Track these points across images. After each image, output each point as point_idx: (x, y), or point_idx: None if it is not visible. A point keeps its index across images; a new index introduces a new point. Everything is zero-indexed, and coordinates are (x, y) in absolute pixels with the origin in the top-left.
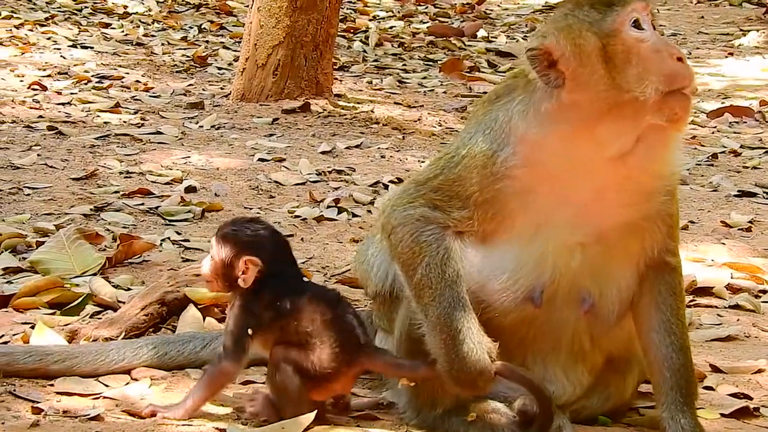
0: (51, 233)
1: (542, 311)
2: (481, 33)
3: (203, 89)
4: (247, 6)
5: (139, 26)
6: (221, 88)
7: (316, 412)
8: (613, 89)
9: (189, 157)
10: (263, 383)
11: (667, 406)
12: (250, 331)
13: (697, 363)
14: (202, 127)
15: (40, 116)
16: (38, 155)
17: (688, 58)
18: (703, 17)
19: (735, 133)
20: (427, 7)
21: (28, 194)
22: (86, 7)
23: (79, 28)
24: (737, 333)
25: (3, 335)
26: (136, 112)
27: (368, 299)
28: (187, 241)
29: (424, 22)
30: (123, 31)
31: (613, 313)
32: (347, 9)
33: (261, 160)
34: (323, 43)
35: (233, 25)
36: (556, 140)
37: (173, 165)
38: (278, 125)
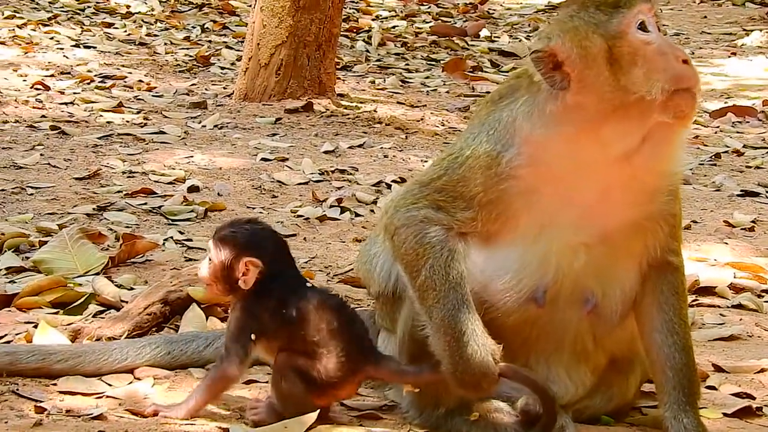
0: (54, 233)
1: (545, 311)
2: (484, 33)
3: (206, 89)
4: (250, 5)
5: (141, 26)
6: (224, 88)
7: (318, 411)
8: (618, 91)
9: (192, 156)
10: (266, 382)
11: (669, 406)
12: (253, 336)
13: (700, 362)
14: (204, 126)
15: (43, 116)
16: (41, 155)
17: (691, 57)
18: (706, 17)
19: (738, 132)
20: (429, 7)
21: (31, 194)
22: (89, 7)
23: (81, 27)
24: (740, 332)
25: (6, 334)
26: (139, 112)
27: (371, 299)
28: (190, 240)
29: (427, 22)
30: (126, 31)
31: (615, 314)
32: (350, 9)
33: (264, 159)
34: (326, 43)
35: (236, 25)
36: (561, 141)
37: (176, 164)
38: (281, 125)
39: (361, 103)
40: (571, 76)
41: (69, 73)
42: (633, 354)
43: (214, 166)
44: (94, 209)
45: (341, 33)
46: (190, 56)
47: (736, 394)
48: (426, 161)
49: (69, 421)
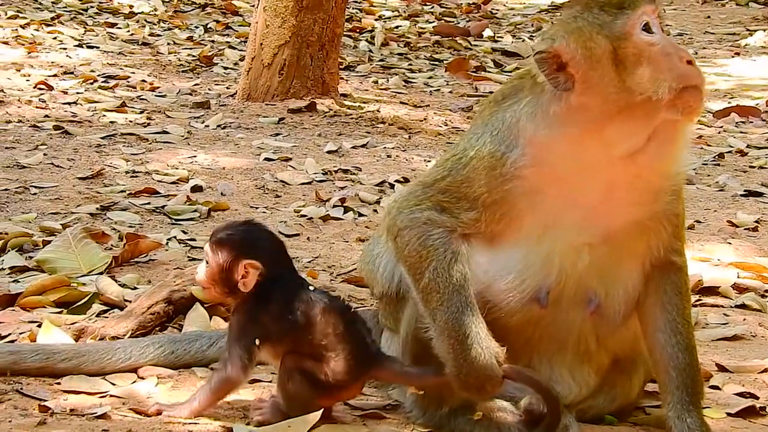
0: (57, 232)
1: (548, 312)
2: (487, 33)
3: (209, 89)
4: (253, 6)
5: (144, 26)
6: (227, 88)
7: (322, 411)
8: (624, 92)
9: (195, 156)
10: (270, 382)
11: (673, 406)
12: (257, 341)
13: (703, 362)
14: (208, 126)
15: (46, 116)
16: (44, 154)
17: (695, 57)
18: (709, 17)
19: (741, 132)
20: (432, 7)
21: (35, 193)
22: (92, 7)
23: (84, 27)
24: (743, 332)
25: (10, 334)
26: (142, 112)
27: (374, 299)
28: (194, 240)
29: (430, 22)
30: (129, 31)
31: (619, 314)
32: (353, 9)
33: (267, 159)
34: (329, 43)
35: (239, 25)
36: (565, 142)
37: (179, 164)
38: (284, 125)
39: (364, 103)
40: (575, 77)
41: (72, 72)
42: (636, 354)
43: (218, 165)
44: (97, 209)
45: (344, 33)
46: (193, 56)
47: (740, 394)
48: (429, 161)
49: (73, 420)
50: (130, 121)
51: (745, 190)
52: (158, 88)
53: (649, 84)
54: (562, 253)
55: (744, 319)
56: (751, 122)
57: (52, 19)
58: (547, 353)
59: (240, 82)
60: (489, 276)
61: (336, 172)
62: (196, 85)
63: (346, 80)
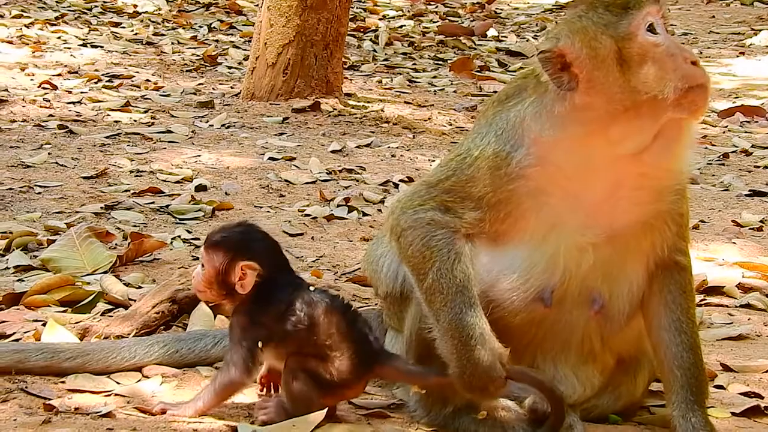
0: (62, 231)
1: (552, 311)
2: (492, 32)
3: (213, 88)
4: (257, 5)
5: (149, 25)
6: (231, 87)
7: (326, 410)
8: (628, 92)
9: (199, 155)
10: None
11: (677, 405)
12: (260, 344)
13: (708, 362)
14: (212, 126)
15: (51, 115)
16: (49, 154)
17: (699, 57)
18: (714, 17)
19: (746, 132)
20: (437, 7)
21: (39, 193)
22: (96, 7)
23: (89, 27)
24: (748, 332)
25: (14, 333)
26: (146, 111)
27: (378, 299)
28: (198, 239)
29: (434, 22)
30: (133, 31)
31: (623, 314)
32: (357, 8)
33: (271, 158)
34: (333, 42)
35: (243, 24)
36: (569, 142)
37: (183, 164)
38: (288, 124)
39: (368, 102)
40: (579, 77)
41: (76, 72)
42: (641, 353)
43: (222, 165)
44: (101, 208)
45: (348, 32)
46: (197, 55)
47: (744, 394)
48: (433, 161)
49: (78, 419)
50: (135, 121)
51: (749, 190)
52: (162, 87)
53: (654, 84)
54: (567, 252)
55: (749, 319)
56: (756, 122)
57: (57, 18)
58: (551, 353)
59: (244, 81)
60: (492, 275)
61: (340, 171)
62: (200, 84)
63: (350, 80)
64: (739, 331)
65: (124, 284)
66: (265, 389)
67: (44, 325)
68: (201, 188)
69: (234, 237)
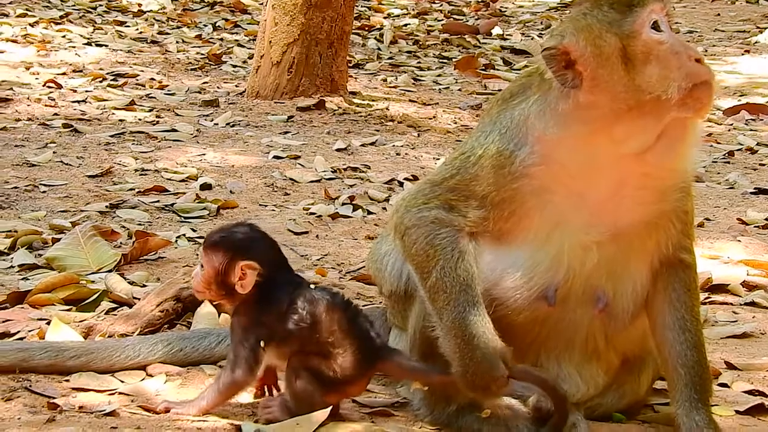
0: (67, 230)
1: (556, 310)
2: (496, 30)
3: (218, 87)
4: (262, 3)
5: (153, 24)
6: (236, 86)
7: (330, 408)
8: (633, 90)
9: (204, 154)
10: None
11: (681, 403)
12: (262, 344)
13: (712, 360)
14: (217, 124)
15: (56, 114)
16: (54, 152)
17: (705, 55)
18: (719, 14)
19: (751, 130)
20: (441, 5)
21: (44, 191)
22: (101, 5)
23: (93, 26)
24: (753, 330)
25: (19, 331)
26: (151, 110)
27: (382, 297)
28: (203, 238)
29: (439, 20)
30: (138, 29)
31: (627, 312)
32: (362, 6)
33: (276, 157)
34: (338, 41)
35: (248, 23)
36: (574, 140)
37: (188, 162)
38: (293, 123)
39: (373, 101)
40: (583, 75)
41: (81, 71)
42: (645, 352)
43: (227, 163)
44: (106, 207)
45: (353, 31)
46: (202, 54)
47: (749, 392)
48: (438, 159)
49: (82, 418)
50: (139, 119)
51: (755, 188)
52: (167, 86)
53: (659, 83)
54: (571, 251)
55: (753, 317)
56: (761, 120)
57: (61, 17)
58: (554, 351)
59: (249, 80)
60: (496, 273)
61: (345, 169)
62: (204, 83)
63: (355, 78)
64: (744, 329)
65: (129, 283)
66: (259, 392)
67: (48, 323)
68: (206, 187)
69: (233, 237)
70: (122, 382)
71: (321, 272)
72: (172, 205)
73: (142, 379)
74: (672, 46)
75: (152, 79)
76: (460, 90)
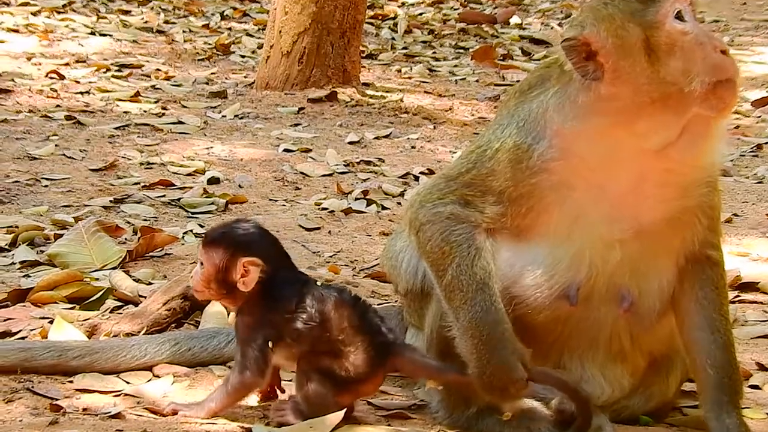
0: (69, 225)
1: (578, 309)
2: (515, 20)
3: (226, 78)
4: None
5: (159, 13)
6: (245, 77)
7: (344, 411)
8: (656, 82)
9: (212, 147)
10: (290, 380)
11: (711, 406)
12: (270, 344)
13: (743, 361)
14: (225, 116)
15: (58, 105)
16: (56, 145)
17: (731, 45)
18: (745, 3)
19: None
20: None
21: (46, 185)
22: None
23: (97, 15)
24: None
25: (21, 330)
26: (156, 102)
27: (398, 295)
28: None
29: (455, 9)
30: (143, 18)
31: (653, 311)
32: None
33: (286, 150)
34: (350, 30)
35: (257, 12)
36: (594, 134)
37: (195, 156)
38: (304, 115)
39: (386, 92)
40: (605, 67)
41: (84, 61)
42: (672, 352)
43: (235, 157)
44: (111, 201)
45: (366, 20)
46: (210, 44)
47: None
48: (455, 152)
49: (86, 420)
50: (144, 111)
51: None
52: (173, 77)
53: (682, 75)
54: (592, 248)
55: None
56: None
57: (64, 6)
58: (577, 352)
59: (258, 70)
60: (515, 271)
61: (358, 163)
62: (212, 74)
63: (368, 69)
64: None
65: (134, 280)
66: (264, 393)
67: (51, 322)
68: (214, 181)
69: (234, 233)
70: (128, 383)
71: (334, 269)
72: (178, 199)
73: (149, 380)
74: (696, 37)
75: (158, 69)
76: (477, 81)
